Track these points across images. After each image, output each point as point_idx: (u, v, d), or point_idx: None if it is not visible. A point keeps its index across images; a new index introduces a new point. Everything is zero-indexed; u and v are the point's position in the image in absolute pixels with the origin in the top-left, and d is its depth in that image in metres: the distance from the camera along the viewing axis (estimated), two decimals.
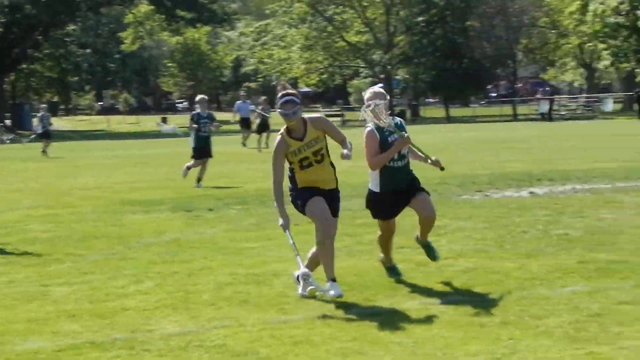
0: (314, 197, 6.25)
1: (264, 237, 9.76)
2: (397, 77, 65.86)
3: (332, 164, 6.50)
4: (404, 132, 6.60)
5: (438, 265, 7.19)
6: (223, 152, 16.69)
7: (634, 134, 32.35)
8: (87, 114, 76.14)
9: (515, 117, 62.82)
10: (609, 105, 58.43)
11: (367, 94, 6.71)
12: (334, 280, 6.16)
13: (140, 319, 5.99)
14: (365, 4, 62.88)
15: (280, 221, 6.35)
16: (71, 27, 62.76)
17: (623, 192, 13.05)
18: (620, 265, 7.26)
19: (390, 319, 5.45)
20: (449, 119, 62.32)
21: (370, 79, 63.60)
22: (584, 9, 53.71)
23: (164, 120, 58.24)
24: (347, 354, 4.84)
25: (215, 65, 65.56)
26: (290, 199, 6.52)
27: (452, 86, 60.68)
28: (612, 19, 50.27)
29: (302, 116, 6.35)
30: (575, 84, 74.29)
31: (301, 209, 6.34)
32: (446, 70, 62.44)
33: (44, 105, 37.84)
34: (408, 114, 60.33)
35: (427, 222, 6.80)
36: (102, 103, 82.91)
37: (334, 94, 74.35)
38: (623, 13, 49.02)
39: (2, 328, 5.70)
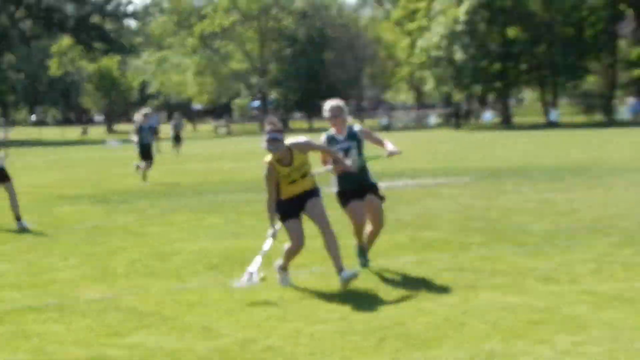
0: (291, 218, 5.67)
1: (167, 223, 9.84)
2: (272, 96, 67.76)
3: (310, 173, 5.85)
4: (354, 159, 5.99)
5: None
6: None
7: (451, 142, 34.08)
8: (22, 126, 75.29)
9: None
10: (433, 120, 60.68)
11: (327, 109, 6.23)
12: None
13: (68, 288, 6.01)
14: (243, 39, 66.53)
15: (271, 231, 5.67)
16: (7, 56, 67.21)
17: (443, 186, 13.58)
18: (441, 242, 7.60)
19: (262, 287, 5.55)
20: (311, 129, 63.57)
21: (250, 97, 69.71)
22: (413, 44, 56.01)
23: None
24: (233, 313, 4.99)
25: (125, 87, 65.93)
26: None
27: (314, 104, 61.92)
28: (434, 53, 52.46)
29: (286, 144, 5.57)
30: (408, 103, 77.12)
31: (281, 220, 5.72)
32: (309, 91, 65.17)
33: None
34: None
35: (375, 231, 6.30)
36: (34, 117, 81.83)
37: (221, 110, 75.21)
38: (442, 48, 51.26)
39: None
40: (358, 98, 75.46)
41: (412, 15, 57.63)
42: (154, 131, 24.69)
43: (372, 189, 6.20)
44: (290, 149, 5.60)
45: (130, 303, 5.38)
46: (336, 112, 6.18)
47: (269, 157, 5.60)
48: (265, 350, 4.09)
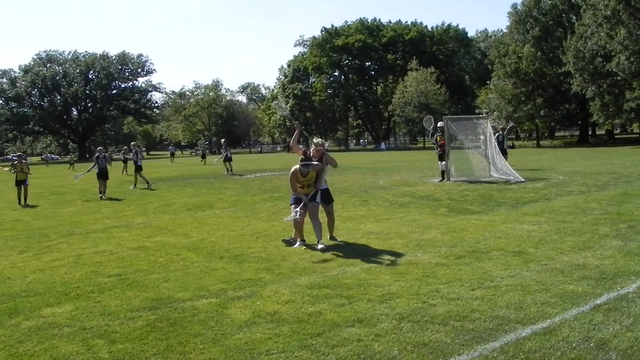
0: (297, 204, 8.96)
1: (171, 190, 17.28)
2: None
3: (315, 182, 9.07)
4: None
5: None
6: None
7: None
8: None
9: None
10: None
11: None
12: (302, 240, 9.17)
13: (130, 218, 13.00)
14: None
15: (303, 199, 8.95)
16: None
17: None
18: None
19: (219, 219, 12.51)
20: None
21: None
22: None
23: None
24: (199, 227, 11.92)
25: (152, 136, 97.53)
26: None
27: None
28: None
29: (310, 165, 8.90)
30: None
31: (291, 204, 9.22)
32: None
33: None
34: None
35: (331, 223, 9.58)
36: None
37: None
38: None
39: None
40: None
41: None
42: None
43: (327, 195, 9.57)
44: (309, 165, 8.87)
45: (155, 224, 12.36)
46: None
47: (296, 166, 8.95)
48: (213, 244, 10.97)
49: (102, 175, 20.54)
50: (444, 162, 20.12)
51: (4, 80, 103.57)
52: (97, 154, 21.42)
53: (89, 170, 21.21)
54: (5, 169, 22.29)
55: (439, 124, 20.54)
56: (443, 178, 20.14)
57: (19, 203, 18.51)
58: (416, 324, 5.32)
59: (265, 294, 6.46)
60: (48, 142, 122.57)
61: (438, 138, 20.31)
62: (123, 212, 14.86)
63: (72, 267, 8.50)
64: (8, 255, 9.79)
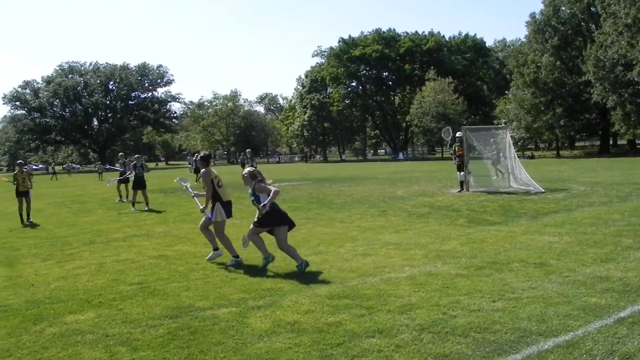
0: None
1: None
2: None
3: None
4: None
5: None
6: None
7: None
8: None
9: None
10: None
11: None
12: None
13: (150, 227, 13.19)
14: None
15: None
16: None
17: None
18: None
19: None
20: None
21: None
22: None
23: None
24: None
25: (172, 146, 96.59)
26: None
27: None
28: None
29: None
30: None
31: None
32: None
33: None
34: None
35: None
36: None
37: None
38: None
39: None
40: None
41: None
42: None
43: None
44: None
45: (175, 233, 12.46)
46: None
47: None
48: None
49: (139, 185, 19.61)
50: (462, 173, 20.03)
51: (27, 91, 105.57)
52: (135, 162, 20.38)
53: (127, 175, 21.02)
54: (4, 178, 20.39)
55: (457, 134, 20.48)
56: (462, 188, 20.05)
57: (22, 221, 16.25)
58: (437, 335, 5.29)
59: (285, 304, 6.48)
60: (69, 151, 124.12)
61: (457, 148, 20.25)
62: (143, 221, 15.01)
63: (94, 275, 8.59)
64: (32, 262, 9.92)
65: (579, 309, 5.87)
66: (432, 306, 6.16)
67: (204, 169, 9.33)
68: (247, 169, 8.81)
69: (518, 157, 21.99)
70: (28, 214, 16.56)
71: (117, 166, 23.57)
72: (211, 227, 9.27)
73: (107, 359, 5.08)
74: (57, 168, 75.50)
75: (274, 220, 8.37)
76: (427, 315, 5.87)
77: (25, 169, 17.48)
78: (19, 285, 8.13)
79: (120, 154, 24.87)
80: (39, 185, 41.63)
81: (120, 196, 22.39)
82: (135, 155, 22.00)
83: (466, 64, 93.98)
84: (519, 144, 62.37)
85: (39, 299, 7.23)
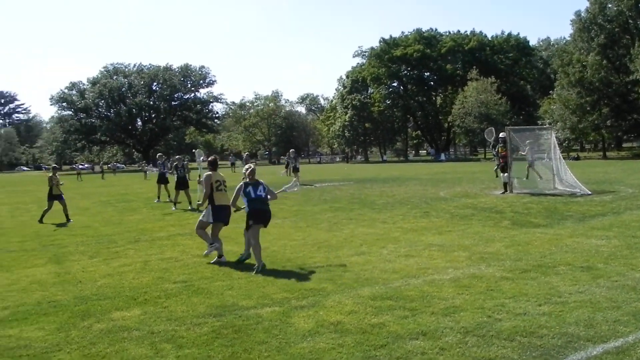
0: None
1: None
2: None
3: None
4: None
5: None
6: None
7: None
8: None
9: None
10: None
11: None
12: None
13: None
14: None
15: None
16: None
17: None
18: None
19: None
20: None
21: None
22: None
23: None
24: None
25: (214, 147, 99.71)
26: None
27: None
28: None
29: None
30: None
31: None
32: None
33: None
34: None
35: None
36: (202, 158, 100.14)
37: None
38: None
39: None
40: None
41: None
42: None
43: None
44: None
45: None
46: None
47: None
48: (275, 253, 11.08)
49: (181, 185, 19.75)
50: (506, 174, 19.71)
51: (74, 92, 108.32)
52: (177, 162, 20.63)
53: (172, 173, 21.04)
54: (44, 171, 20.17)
55: (501, 134, 20.16)
56: (505, 190, 19.71)
57: (41, 220, 16.47)
58: (481, 338, 5.22)
59: (328, 304, 6.48)
60: (114, 151, 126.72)
61: (500, 149, 19.94)
62: (187, 220, 15.21)
63: (140, 272, 8.76)
64: (79, 259, 10.18)
65: (628, 315, 5.71)
66: (476, 309, 6.08)
67: (207, 172, 9.86)
68: (248, 165, 9.45)
69: (563, 158, 21.49)
70: (66, 215, 16.75)
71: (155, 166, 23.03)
72: (208, 229, 9.88)
73: (153, 355, 5.17)
74: (104, 167, 77.31)
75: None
76: (472, 318, 5.80)
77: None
78: (67, 281, 8.36)
79: (159, 154, 24.89)
80: (87, 184, 42.71)
81: (159, 197, 22.49)
82: (177, 156, 22.26)
83: (509, 63, 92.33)
84: (564, 144, 60.99)
85: (87, 295, 7.42)
